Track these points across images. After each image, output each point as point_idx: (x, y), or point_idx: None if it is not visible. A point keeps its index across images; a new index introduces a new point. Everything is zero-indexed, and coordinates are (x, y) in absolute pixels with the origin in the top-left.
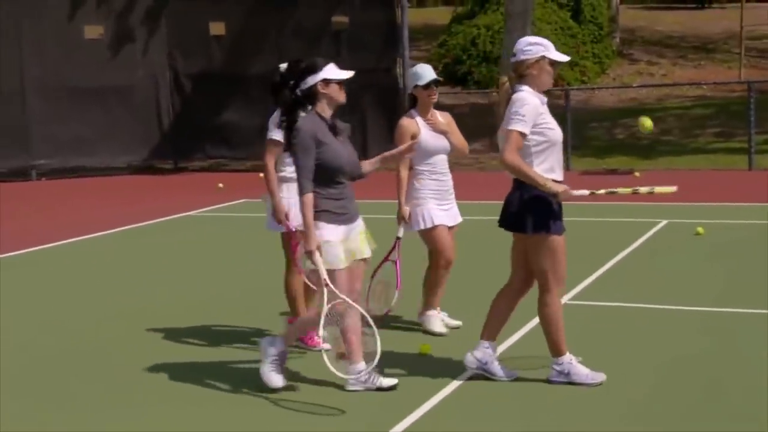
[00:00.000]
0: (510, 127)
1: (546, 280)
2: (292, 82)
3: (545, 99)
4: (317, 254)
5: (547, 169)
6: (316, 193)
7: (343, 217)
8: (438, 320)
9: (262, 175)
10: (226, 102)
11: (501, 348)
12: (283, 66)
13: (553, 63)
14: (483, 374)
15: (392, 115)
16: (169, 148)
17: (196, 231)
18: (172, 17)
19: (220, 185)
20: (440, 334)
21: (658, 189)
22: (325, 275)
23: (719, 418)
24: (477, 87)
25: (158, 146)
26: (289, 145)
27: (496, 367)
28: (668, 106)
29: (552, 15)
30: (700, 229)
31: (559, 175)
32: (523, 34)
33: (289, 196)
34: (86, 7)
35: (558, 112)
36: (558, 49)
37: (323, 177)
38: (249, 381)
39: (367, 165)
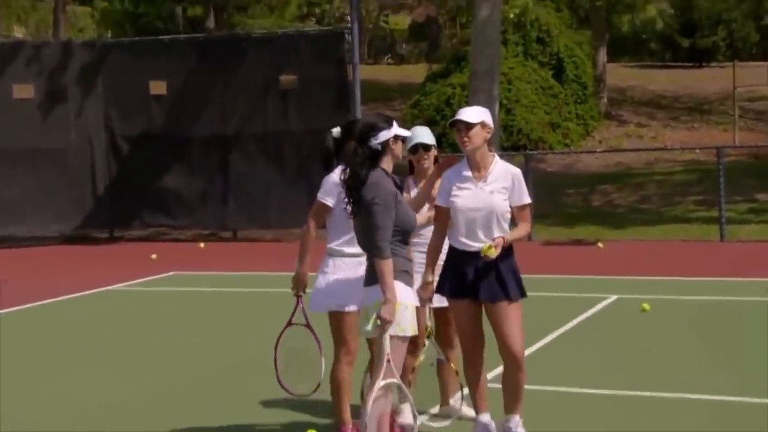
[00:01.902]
0: None
1: None
2: (358, 137)
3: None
4: (395, 327)
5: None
6: (394, 254)
7: (412, 280)
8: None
9: (202, 245)
10: (167, 166)
11: None
12: (336, 131)
13: (458, 127)
14: None
15: None
16: (104, 215)
17: (110, 307)
18: (109, 75)
19: (153, 256)
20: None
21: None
22: (389, 350)
23: None
24: (452, 150)
25: (92, 214)
26: (359, 206)
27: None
28: (656, 171)
29: (532, 74)
30: (645, 306)
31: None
32: (490, 95)
33: (335, 273)
34: (15, 65)
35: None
36: (539, 109)
37: (398, 237)
38: None
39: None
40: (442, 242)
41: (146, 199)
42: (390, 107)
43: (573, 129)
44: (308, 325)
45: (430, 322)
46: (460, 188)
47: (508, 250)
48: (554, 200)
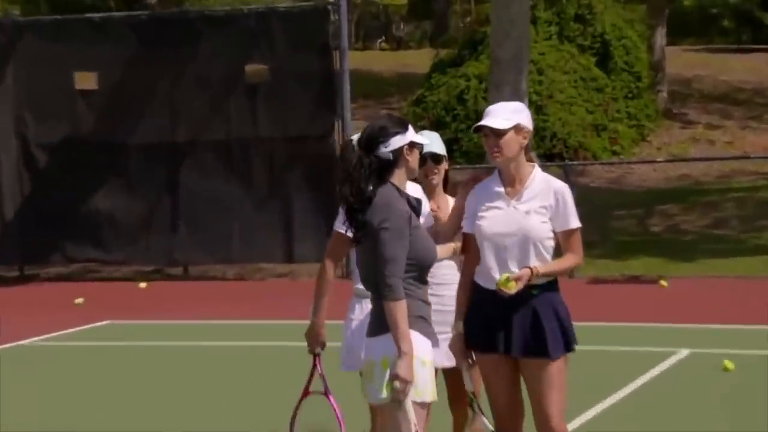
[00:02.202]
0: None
1: None
2: (364, 143)
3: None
4: (412, 391)
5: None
6: (408, 295)
7: (431, 329)
8: None
9: (144, 285)
10: (98, 182)
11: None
12: (357, 138)
13: (486, 133)
14: None
15: (328, 197)
16: (13, 248)
17: (23, 369)
18: (21, 65)
19: (79, 300)
20: None
21: None
22: (414, 419)
23: None
24: (466, 160)
25: None
26: (363, 232)
27: None
28: (734, 187)
29: (569, 61)
30: (728, 364)
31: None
32: (516, 89)
33: (363, 319)
34: None
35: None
36: (579, 107)
37: (413, 273)
38: None
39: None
40: (473, 276)
41: (69, 225)
42: (385, 105)
43: (623, 132)
44: (326, 393)
45: (471, 386)
46: (488, 208)
47: (549, 287)
48: (601, 224)
